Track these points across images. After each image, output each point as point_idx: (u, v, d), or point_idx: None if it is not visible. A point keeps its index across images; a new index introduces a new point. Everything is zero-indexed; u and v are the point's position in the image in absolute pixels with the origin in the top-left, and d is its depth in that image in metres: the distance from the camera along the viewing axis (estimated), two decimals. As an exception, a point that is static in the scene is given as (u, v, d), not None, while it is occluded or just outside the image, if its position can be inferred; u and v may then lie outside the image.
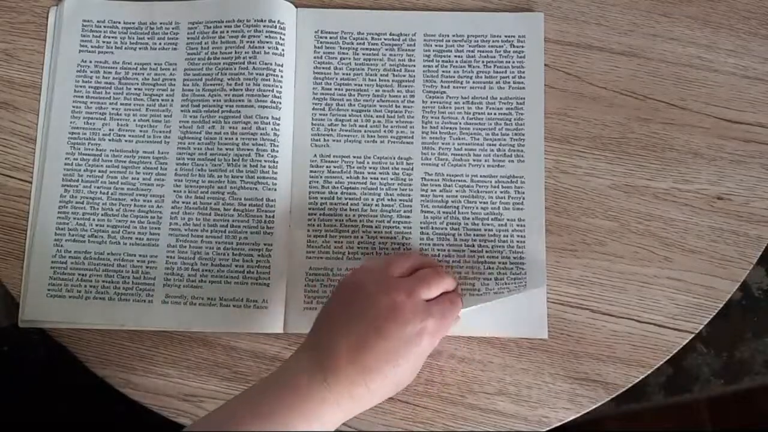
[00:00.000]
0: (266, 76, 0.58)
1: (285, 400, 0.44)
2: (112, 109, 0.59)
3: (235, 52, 0.59)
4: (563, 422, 0.56)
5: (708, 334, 1.08)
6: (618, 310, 0.57)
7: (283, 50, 0.59)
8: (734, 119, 0.60)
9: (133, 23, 0.60)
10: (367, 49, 0.60)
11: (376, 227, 0.57)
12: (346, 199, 0.58)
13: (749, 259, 0.58)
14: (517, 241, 0.57)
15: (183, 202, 0.57)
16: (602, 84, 0.60)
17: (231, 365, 0.56)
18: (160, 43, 0.60)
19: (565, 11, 0.61)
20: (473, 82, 0.59)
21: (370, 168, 0.58)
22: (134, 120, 0.58)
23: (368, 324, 0.46)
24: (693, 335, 0.57)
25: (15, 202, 0.58)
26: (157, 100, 0.59)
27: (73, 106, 0.59)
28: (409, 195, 0.58)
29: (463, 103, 0.59)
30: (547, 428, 0.56)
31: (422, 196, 0.58)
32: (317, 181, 0.58)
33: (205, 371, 0.56)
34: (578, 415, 0.56)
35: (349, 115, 0.59)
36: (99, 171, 0.58)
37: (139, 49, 0.60)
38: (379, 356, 0.46)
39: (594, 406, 0.56)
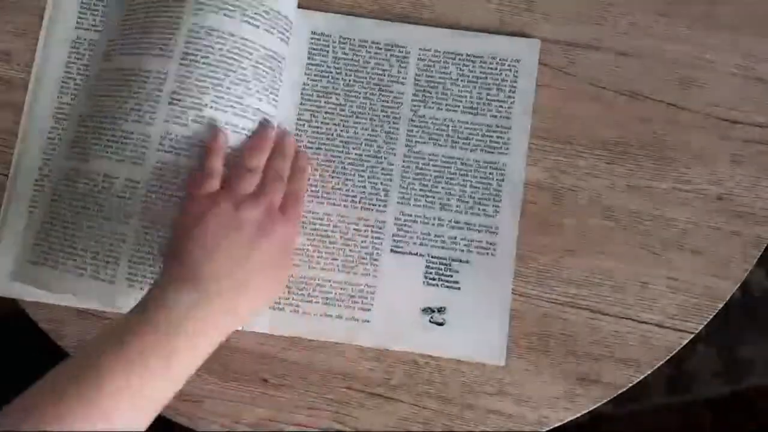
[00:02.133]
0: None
1: (169, 324, 0.45)
2: None
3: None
4: (563, 422, 0.56)
5: (708, 334, 1.08)
6: (618, 310, 0.57)
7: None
8: (734, 119, 0.60)
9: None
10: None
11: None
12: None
13: (749, 259, 0.58)
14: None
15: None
16: (602, 84, 0.60)
17: (231, 365, 0.56)
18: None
19: (565, 11, 0.61)
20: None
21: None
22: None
23: (188, 240, 0.49)
24: (693, 335, 0.57)
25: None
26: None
27: (62, 83, 0.59)
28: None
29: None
30: (547, 428, 0.56)
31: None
32: None
33: (205, 371, 0.56)
34: (578, 415, 0.56)
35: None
36: None
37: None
38: (199, 256, 0.48)
39: (594, 406, 0.56)
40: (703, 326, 0.57)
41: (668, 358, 0.56)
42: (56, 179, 0.57)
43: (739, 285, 0.57)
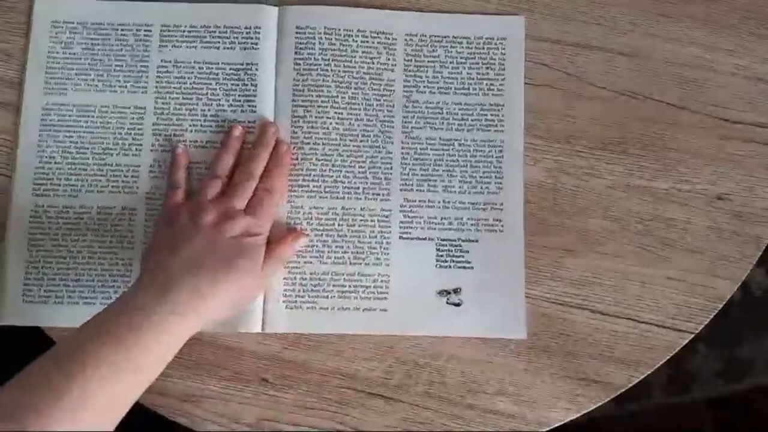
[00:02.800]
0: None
1: (132, 320, 0.46)
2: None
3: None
4: (563, 422, 0.56)
5: (708, 334, 1.07)
6: (618, 310, 0.57)
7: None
8: (734, 119, 0.60)
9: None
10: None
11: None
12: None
13: (749, 259, 0.58)
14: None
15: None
16: (602, 84, 0.60)
17: (231, 365, 0.56)
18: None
19: (565, 11, 0.61)
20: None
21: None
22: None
23: (153, 249, 0.53)
24: (693, 335, 0.57)
25: (15, 202, 0.58)
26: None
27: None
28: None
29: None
30: (547, 428, 0.56)
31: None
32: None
33: (205, 371, 0.56)
34: (578, 415, 0.56)
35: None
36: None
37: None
38: (166, 252, 0.50)
39: (594, 406, 0.56)
40: (703, 326, 0.57)
41: (668, 358, 0.56)
42: (42, 218, 0.57)
43: (739, 285, 0.57)
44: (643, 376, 0.56)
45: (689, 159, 0.59)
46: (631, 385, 0.56)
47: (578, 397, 0.56)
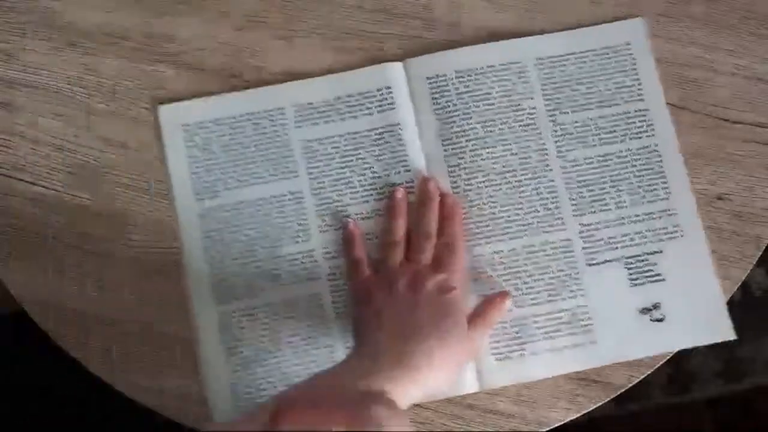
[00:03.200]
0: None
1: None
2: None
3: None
4: (563, 422, 0.56)
5: (708, 334, 1.07)
6: (618, 310, 0.57)
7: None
8: (734, 119, 0.60)
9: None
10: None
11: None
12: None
13: (749, 259, 0.58)
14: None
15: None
16: (602, 84, 0.60)
17: (231, 365, 0.56)
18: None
19: (564, 12, 0.61)
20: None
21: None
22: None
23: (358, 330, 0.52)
24: (693, 335, 0.57)
25: (15, 202, 0.58)
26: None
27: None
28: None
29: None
30: (547, 428, 0.56)
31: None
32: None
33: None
34: (578, 415, 0.56)
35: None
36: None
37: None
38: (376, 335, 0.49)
39: (594, 406, 0.56)
40: (703, 326, 0.57)
41: (668, 358, 0.56)
42: (231, 325, 0.56)
43: (739, 285, 0.57)
44: (643, 376, 0.56)
45: (689, 159, 0.59)
46: (631, 385, 0.56)
47: (578, 397, 0.56)
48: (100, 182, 0.58)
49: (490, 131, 0.58)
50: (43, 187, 0.58)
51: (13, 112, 0.59)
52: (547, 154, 0.58)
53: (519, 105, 0.58)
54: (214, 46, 0.60)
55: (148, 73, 0.60)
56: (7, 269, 0.57)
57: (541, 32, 0.60)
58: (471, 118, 0.58)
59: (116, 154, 0.59)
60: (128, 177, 0.58)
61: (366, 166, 0.58)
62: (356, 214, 0.57)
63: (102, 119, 0.59)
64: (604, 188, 0.57)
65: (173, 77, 0.60)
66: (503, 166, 0.57)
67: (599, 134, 0.58)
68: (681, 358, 1.06)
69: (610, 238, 0.57)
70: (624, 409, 1.05)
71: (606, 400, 0.56)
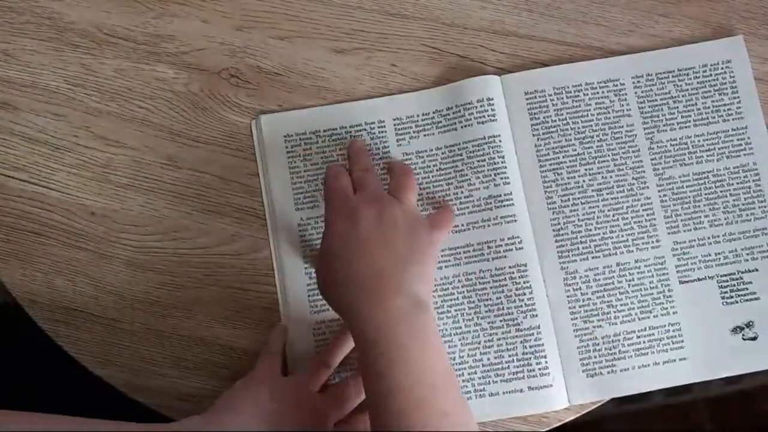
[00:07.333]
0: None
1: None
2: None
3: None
4: (563, 422, 0.56)
5: (708, 334, 1.07)
6: (618, 310, 0.57)
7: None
8: (734, 119, 0.60)
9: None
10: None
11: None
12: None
13: (749, 259, 0.58)
14: None
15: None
16: (602, 84, 0.60)
17: (231, 365, 0.56)
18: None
19: (565, 11, 0.61)
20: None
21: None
22: None
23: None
24: (693, 335, 0.57)
25: (15, 202, 0.58)
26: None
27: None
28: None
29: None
30: (547, 428, 0.56)
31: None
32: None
33: (205, 371, 0.56)
34: (578, 415, 0.56)
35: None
36: None
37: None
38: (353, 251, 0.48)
39: (594, 406, 0.56)
40: (703, 326, 0.57)
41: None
42: None
43: (739, 285, 0.57)
44: (643, 376, 0.56)
45: (689, 159, 0.59)
46: (631, 385, 0.56)
47: (578, 397, 0.56)
48: (100, 182, 0.59)
49: (588, 148, 0.58)
50: (43, 187, 0.58)
51: (12, 112, 0.59)
52: (643, 172, 0.58)
53: (616, 122, 0.58)
54: (213, 45, 0.60)
55: (148, 73, 0.60)
56: (6, 269, 0.57)
57: (640, 50, 0.60)
58: (569, 134, 0.58)
59: (116, 154, 0.59)
60: (128, 177, 0.59)
61: (463, 178, 0.57)
62: (452, 228, 0.56)
63: (102, 119, 0.59)
64: (699, 206, 0.57)
65: (173, 77, 0.60)
66: (599, 183, 0.58)
67: (696, 152, 0.58)
68: (681, 358, 1.06)
69: (704, 255, 0.57)
70: (624, 409, 1.05)
71: (606, 400, 0.56)
